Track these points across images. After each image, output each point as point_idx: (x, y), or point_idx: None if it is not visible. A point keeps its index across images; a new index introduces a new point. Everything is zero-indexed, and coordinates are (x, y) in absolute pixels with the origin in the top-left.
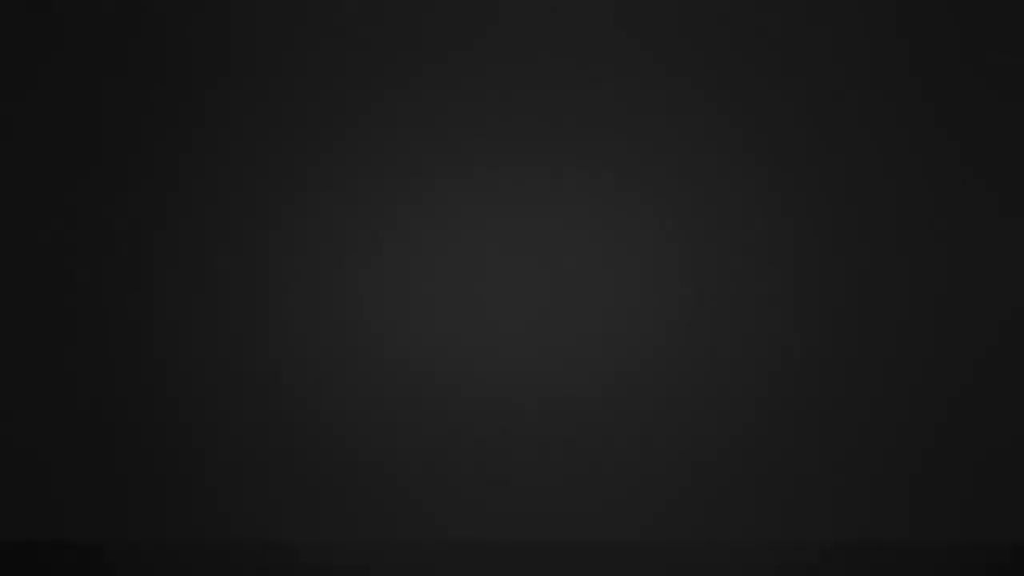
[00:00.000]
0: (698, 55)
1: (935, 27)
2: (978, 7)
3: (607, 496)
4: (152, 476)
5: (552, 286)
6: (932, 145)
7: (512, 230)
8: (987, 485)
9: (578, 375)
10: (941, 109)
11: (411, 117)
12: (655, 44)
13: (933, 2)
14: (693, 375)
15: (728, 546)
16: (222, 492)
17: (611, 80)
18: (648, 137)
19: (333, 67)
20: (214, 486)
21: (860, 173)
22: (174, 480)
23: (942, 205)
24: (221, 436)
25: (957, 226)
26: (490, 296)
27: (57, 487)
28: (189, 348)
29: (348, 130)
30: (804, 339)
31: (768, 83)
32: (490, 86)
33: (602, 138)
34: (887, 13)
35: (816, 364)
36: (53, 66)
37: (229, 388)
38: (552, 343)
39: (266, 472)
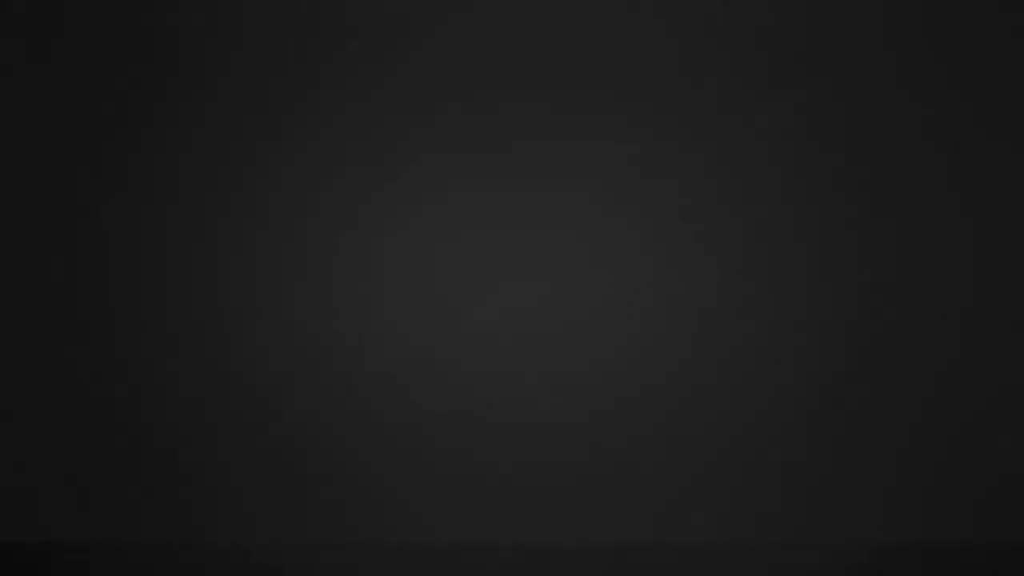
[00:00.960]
0: (712, 56)
1: (953, 26)
2: (998, 8)
3: (617, 498)
4: (147, 477)
5: (558, 286)
6: (947, 146)
7: (518, 230)
8: (999, 487)
9: (584, 376)
10: (951, 109)
11: (412, 116)
12: (670, 42)
13: (950, 2)
14: (704, 376)
15: (734, 549)
16: (219, 494)
17: (622, 81)
18: (660, 137)
19: (328, 63)
20: (211, 488)
21: (877, 176)
22: (168, 482)
23: (956, 210)
24: (219, 438)
25: (972, 229)
26: (494, 296)
27: (48, 489)
28: (182, 350)
29: (348, 131)
30: (814, 341)
31: (783, 85)
32: (495, 85)
33: (612, 138)
34: (901, 13)
35: (830, 367)
36: (46, 64)
37: (229, 389)
38: (558, 344)
39: (267, 473)
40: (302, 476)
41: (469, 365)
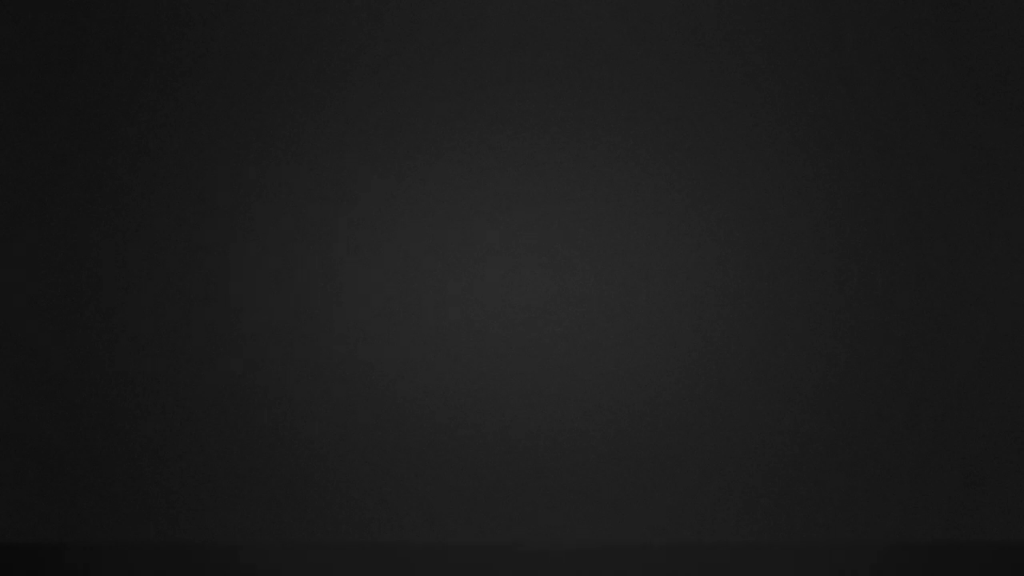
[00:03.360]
0: (707, 52)
1: (937, 29)
2: (977, 9)
3: (614, 499)
4: (146, 477)
5: (556, 287)
6: (935, 148)
7: (516, 230)
8: (993, 486)
9: (581, 377)
10: (941, 111)
11: (412, 113)
12: (664, 40)
13: (936, 5)
14: (699, 377)
15: (728, 549)
16: (220, 494)
17: (618, 78)
18: (658, 135)
19: (324, 59)
20: (214, 488)
21: (875, 177)
22: (166, 482)
23: (941, 210)
24: (220, 438)
25: (975, 231)
26: (492, 297)
27: (50, 489)
28: (182, 350)
29: (342, 127)
30: (813, 342)
31: (778, 83)
32: (491, 81)
33: (610, 135)
34: (891, 14)
35: (838, 369)
36: (43, 64)
37: (228, 389)
38: (556, 344)
39: (268, 473)
40: (299, 476)
41: (469, 365)
